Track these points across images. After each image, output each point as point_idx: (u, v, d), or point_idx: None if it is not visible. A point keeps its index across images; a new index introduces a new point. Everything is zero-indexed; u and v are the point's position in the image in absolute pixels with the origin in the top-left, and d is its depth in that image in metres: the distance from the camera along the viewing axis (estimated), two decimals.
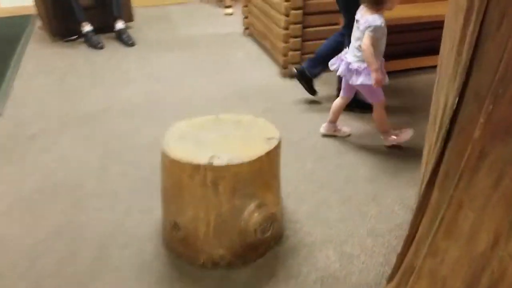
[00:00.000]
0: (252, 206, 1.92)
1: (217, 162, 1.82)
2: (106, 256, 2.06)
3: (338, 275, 1.96)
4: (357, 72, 2.65)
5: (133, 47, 4.57)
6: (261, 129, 2.12)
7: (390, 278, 1.69)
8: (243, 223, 1.93)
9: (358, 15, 2.66)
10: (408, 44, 4.07)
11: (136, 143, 2.94)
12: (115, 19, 4.63)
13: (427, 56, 3.86)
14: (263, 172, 1.94)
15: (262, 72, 4.03)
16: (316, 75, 3.41)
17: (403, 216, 2.30)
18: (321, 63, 3.29)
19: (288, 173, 2.56)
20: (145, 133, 3.07)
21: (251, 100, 3.54)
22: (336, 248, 2.11)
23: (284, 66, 3.87)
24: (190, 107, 3.42)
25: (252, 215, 1.92)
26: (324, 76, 3.48)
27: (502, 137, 1.17)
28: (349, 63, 2.68)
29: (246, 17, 4.80)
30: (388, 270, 1.92)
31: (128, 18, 4.95)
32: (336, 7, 3.26)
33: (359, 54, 2.63)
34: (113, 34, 4.72)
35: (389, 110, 2.94)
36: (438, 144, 1.37)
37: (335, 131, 3.03)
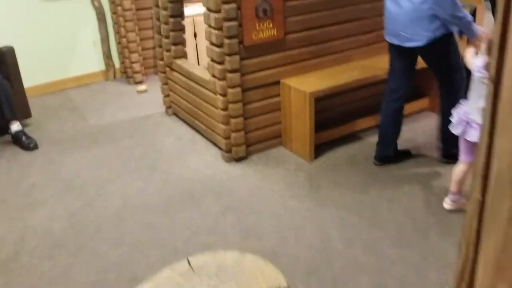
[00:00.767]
0: None
1: None
2: None
3: None
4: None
5: (37, 150, 3.78)
6: (255, 275, 1.55)
7: None
8: None
9: (474, 67, 2.41)
10: None
11: None
12: (8, 122, 3.82)
13: None
14: None
15: (202, 158, 3.46)
16: (397, 152, 3.23)
17: None
18: (392, 140, 3.17)
19: None
20: (78, 279, 2.33)
21: (203, 200, 2.95)
22: None
23: (227, 150, 3.34)
24: (130, 225, 2.74)
25: None
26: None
27: None
28: (471, 121, 2.44)
29: (167, 96, 4.23)
30: None
31: (25, 114, 4.15)
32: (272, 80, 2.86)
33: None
34: (9, 137, 3.89)
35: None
36: None
37: (462, 203, 2.67)
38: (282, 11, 3.15)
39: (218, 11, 2.96)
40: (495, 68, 0.79)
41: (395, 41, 2.88)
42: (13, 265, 2.47)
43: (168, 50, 3.91)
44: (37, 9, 4.87)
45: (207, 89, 3.40)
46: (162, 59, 4.09)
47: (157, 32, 4.00)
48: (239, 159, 3.36)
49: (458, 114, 2.53)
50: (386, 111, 3.08)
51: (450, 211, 2.69)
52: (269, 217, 2.73)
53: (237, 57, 3.09)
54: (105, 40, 5.26)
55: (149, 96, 4.85)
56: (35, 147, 3.80)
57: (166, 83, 4.19)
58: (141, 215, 2.84)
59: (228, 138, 3.30)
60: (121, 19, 5.00)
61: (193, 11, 4.75)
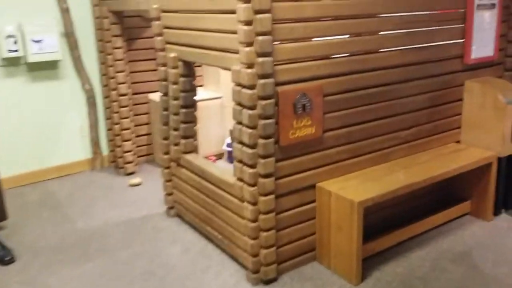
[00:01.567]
0: None
1: None
2: None
3: None
4: None
5: (13, 265, 3.09)
6: None
7: None
8: None
9: None
10: None
11: None
12: None
13: None
14: None
15: (222, 279, 2.84)
16: None
17: None
18: None
19: None
20: None
21: None
22: None
23: (255, 270, 2.75)
24: None
25: None
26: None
27: None
28: None
29: (169, 194, 3.66)
30: None
31: (0, 216, 3.47)
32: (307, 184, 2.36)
33: None
34: None
35: None
36: None
37: None
38: (322, 106, 2.72)
39: (253, 107, 2.49)
40: None
41: None
42: None
43: (176, 144, 3.39)
44: (22, 91, 4.34)
45: (229, 193, 2.86)
46: (167, 153, 3.55)
47: (164, 123, 3.50)
48: (268, 281, 2.76)
49: None
50: None
51: None
52: None
53: (272, 160, 2.60)
54: (94, 126, 4.72)
55: (144, 191, 4.25)
56: (11, 260, 3.11)
57: (169, 180, 3.62)
58: None
59: (256, 255, 2.72)
60: (115, 104, 4.50)
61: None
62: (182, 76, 3.24)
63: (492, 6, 3.44)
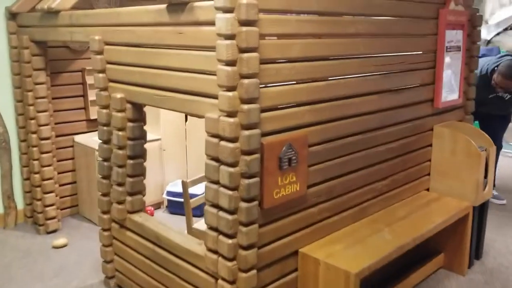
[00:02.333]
0: None
1: None
2: None
3: None
4: None
5: None
6: None
7: None
8: None
9: None
10: None
11: None
12: None
13: None
14: None
15: None
16: None
17: None
18: None
19: None
20: None
21: None
22: None
23: None
24: None
25: None
26: None
27: None
28: None
29: (109, 261, 3.03)
30: None
31: None
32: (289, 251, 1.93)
33: None
34: None
35: None
36: None
37: None
38: (307, 158, 2.34)
39: (234, 164, 2.04)
40: None
41: None
42: None
43: (120, 202, 2.81)
44: None
45: (196, 267, 2.35)
46: (106, 212, 2.95)
47: (103, 175, 2.91)
48: None
49: None
50: None
51: None
52: None
53: (256, 227, 2.15)
54: (7, 175, 3.95)
55: (72, 254, 3.55)
56: None
57: (109, 245, 3.01)
58: None
59: None
60: (34, 150, 3.79)
61: None
62: (131, 120, 2.71)
63: (458, 48, 3.33)
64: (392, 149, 2.96)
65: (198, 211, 4.22)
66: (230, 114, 2.01)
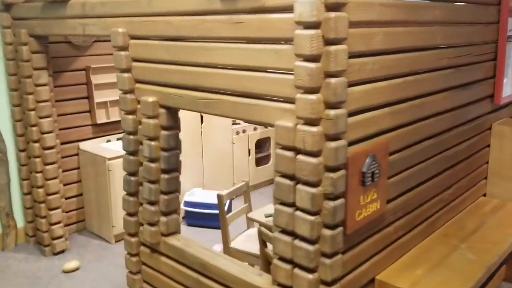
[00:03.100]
0: None
1: None
2: None
3: None
4: None
5: None
6: None
7: None
8: None
9: None
10: None
11: None
12: None
13: None
14: None
15: None
16: None
17: None
18: None
19: None
20: None
21: None
22: None
23: None
24: None
25: None
26: None
27: None
28: None
29: None
30: None
31: None
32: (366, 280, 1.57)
33: None
34: None
35: None
36: None
37: None
38: (387, 170, 1.96)
39: (317, 183, 1.65)
40: None
41: None
42: None
43: (153, 224, 2.40)
44: None
45: None
46: (134, 235, 2.54)
47: (129, 192, 2.49)
48: None
49: None
50: None
51: None
52: None
53: (340, 258, 1.76)
54: (4, 190, 3.49)
55: (86, 279, 3.12)
56: None
57: (137, 272, 2.59)
58: None
59: None
60: (37, 161, 3.33)
61: None
62: (165, 128, 2.30)
63: None
64: (458, 152, 2.62)
65: (212, 222, 3.83)
66: (312, 122, 1.62)
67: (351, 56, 1.67)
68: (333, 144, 1.63)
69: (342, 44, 1.58)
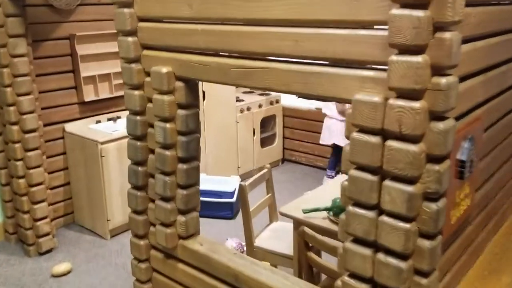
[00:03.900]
0: None
1: None
2: None
3: None
4: None
5: None
6: None
7: None
8: None
9: None
10: None
11: None
12: None
13: None
14: None
15: None
16: None
17: None
18: None
19: None
20: None
21: None
22: None
23: None
24: None
25: None
26: None
27: None
28: None
29: None
30: None
31: None
32: None
33: None
34: None
35: None
36: None
37: None
38: (479, 155, 1.54)
39: (415, 179, 1.21)
40: None
41: None
42: None
43: (168, 224, 1.93)
44: None
45: None
46: (142, 237, 2.07)
47: (135, 185, 2.02)
48: None
49: None
50: None
51: None
52: None
53: (436, 276, 1.34)
54: None
55: (80, 284, 2.66)
56: None
57: (147, 281, 2.14)
58: None
59: None
60: (16, 146, 2.81)
61: None
62: (183, 107, 1.81)
63: None
64: None
65: (219, 212, 3.41)
66: (414, 95, 1.17)
67: None
68: (441, 125, 1.18)
69: None
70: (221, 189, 3.43)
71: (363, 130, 1.28)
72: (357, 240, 1.36)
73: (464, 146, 1.38)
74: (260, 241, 2.43)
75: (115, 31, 1.88)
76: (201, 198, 3.44)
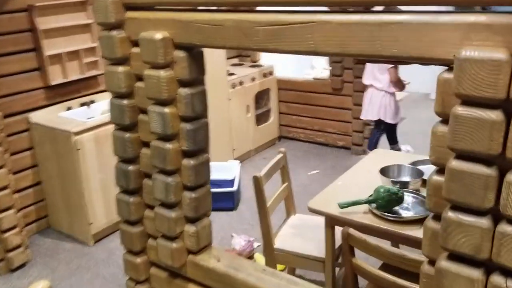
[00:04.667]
0: None
1: None
2: None
3: None
4: None
5: None
6: None
7: None
8: None
9: None
10: None
11: None
12: None
13: None
14: None
15: None
16: None
17: None
18: None
19: None
20: None
21: None
22: None
23: None
24: None
25: None
26: None
27: None
28: None
29: None
30: None
31: None
32: None
33: None
34: None
35: None
36: None
37: None
38: None
39: None
40: None
41: None
42: None
43: (173, 237, 1.51)
44: None
45: None
46: (138, 253, 1.65)
47: (125, 188, 1.59)
48: None
49: None
50: None
51: None
52: None
53: None
54: None
55: None
56: None
57: None
58: None
59: None
60: None
61: None
62: (185, 84, 1.38)
63: None
64: None
65: (218, 203, 3.01)
66: None
67: None
68: None
69: None
70: (220, 178, 3.02)
71: (473, 102, 0.87)
72: (460, 258, 0.97)
73: None
74: (281, 241, 2.04)
75: None
76: None
